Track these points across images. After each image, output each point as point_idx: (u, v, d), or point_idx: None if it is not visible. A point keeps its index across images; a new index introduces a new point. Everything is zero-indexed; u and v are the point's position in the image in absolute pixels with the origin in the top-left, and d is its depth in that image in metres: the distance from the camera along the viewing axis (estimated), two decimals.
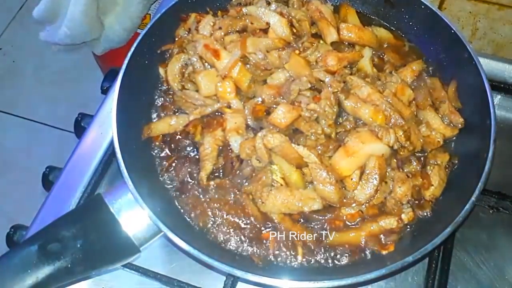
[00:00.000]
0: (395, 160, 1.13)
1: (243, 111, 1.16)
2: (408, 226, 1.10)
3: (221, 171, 1.15)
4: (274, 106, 1.13)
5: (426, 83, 1.24)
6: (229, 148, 1.14)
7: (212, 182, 1.13)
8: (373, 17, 1.39)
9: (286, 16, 1.24)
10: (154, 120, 1.24)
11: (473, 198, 1.01)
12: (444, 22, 1.22)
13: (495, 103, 1.32)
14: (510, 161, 1.28)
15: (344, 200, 1.09)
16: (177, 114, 1.22)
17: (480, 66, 1.15)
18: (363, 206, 1.11)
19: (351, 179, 1.08)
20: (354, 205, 1.10)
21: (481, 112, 1.11)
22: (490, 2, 1.64)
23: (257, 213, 1.10)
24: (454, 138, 1.21)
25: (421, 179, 1.13)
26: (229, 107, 1.17)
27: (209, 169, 1.13)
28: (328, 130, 1.11)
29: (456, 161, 1.17)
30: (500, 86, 1.38)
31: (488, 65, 1.41)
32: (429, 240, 0.98)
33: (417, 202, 1.12)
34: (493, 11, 1.64)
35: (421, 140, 1.16)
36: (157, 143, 1.21)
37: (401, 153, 1.13)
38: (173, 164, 1.18)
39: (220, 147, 1.15)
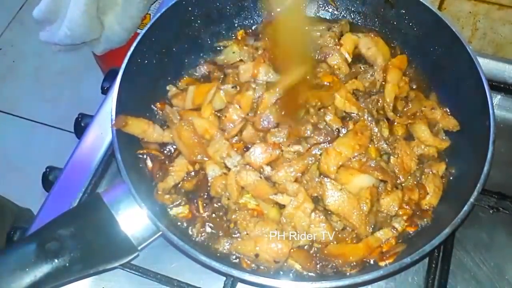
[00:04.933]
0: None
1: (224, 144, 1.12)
2: (410, 233, 1.10)
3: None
4: (250, 145, 1.11)
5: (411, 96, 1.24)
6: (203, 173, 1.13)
7: (167, 196, 1.12)
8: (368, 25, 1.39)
9: None
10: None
11: (471, 200, 1.00)
12: (444, 22, 1.22)
13: (495, 103, 1.32)
14: (510, 161, 1.27)
15: (339, 235, 1.06)
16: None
17: (479, 66, 1.14)
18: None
19: None
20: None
21: (481, 113, 1.10)
22: (490, 2, 1.63)
23: None
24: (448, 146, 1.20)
25: (417, 193, 1.11)
26: None
27: (168, 185, 1.12)
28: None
29: (453, 171, 1.16)
30: (500, 86, 1.37)
31: (488, 65, 1.41)
32: (427, 241, 0.97)
33: (416, 212, 1.11)
34: (493, 11, 1.64)
35: (415, 160, 1.14)
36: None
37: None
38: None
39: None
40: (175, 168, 1.13)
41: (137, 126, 1.15)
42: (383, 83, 1.24)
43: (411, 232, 1.10)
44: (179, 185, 1.14)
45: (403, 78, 1.26)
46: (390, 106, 1.20)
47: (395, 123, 1.20)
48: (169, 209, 1.12)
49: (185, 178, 1.14)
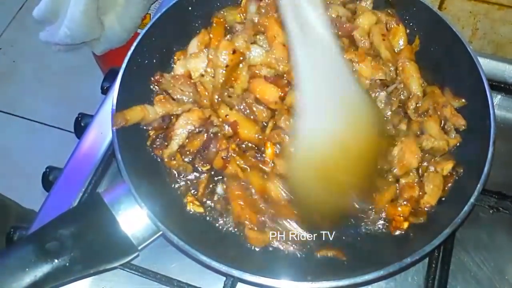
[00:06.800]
0: None
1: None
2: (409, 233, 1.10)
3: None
4: None
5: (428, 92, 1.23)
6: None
7: (174, 162, 1.14)
8: None
9: None
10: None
11: (472, 200, 1.00)
12: (444, 22, 1.22)
13: (495, 103, 1.32)
14: (510, 161, 1.27)
15: None
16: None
17: (480, 66, 1.14)
18: None
19: None
20: None
21: (481, 113, 1.10)
22: (490, 2, 1.63)
23: None
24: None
25: (417, 190, 1.11)
26: None
27: (172, 149, 1.14)
28: None
29: (461, 170, 1.15)
30: (500, 86, 1.37)
31: (488, 65, 1.40)
32: (427, 241, 0.97)
33: (413, 210, 1.10)
34: (493, 11, 1.64)
35: (419, 156, 1.13)
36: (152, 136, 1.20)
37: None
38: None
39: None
40: (176, 131, 1.14)
41: (136, 116, 1.15)
42: (398, 76, 1.23)
43: (410, 232, 1.10)
44: (186, 149, 1.15)
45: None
46: (419, 99, 1.18)
47: (411, 120, 1.19)
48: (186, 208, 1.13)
49: (189, 138, 1.15)
